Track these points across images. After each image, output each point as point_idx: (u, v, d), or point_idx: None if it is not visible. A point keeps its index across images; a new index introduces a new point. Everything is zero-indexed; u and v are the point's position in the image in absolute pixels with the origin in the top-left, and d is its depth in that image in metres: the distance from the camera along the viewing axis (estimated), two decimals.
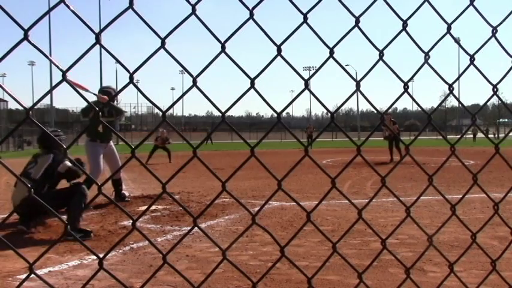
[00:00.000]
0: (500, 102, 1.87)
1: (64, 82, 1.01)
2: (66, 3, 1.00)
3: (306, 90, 1.29)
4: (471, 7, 1.49)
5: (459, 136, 1.89)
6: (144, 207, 6.63)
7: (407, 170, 11.32)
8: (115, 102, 7.42)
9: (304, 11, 1.23)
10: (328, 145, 32.72)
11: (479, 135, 41.72)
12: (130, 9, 1.05)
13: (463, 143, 30.86)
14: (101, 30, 1.05)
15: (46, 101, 58.02)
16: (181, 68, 1.23)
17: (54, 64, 1.00)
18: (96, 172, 6.93)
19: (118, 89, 1.20)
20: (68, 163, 5.21)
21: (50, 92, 1.15)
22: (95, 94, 6.81)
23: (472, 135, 44.20)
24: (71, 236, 4.28)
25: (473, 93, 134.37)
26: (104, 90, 7.15)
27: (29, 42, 0.97)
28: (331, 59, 1.31)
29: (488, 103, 1.92)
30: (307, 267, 3.68)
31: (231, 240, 4.44)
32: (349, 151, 20.16)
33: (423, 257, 1.79)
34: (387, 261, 3.71)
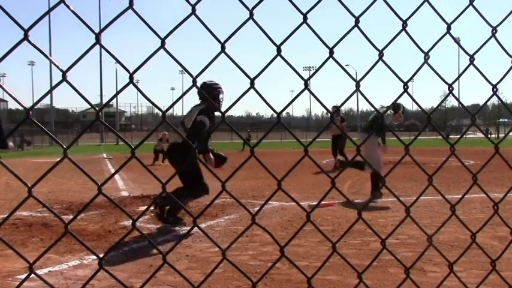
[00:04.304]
0: (500, 102, 1.87)
1: (64, 82, 1.01)
2: (66, 3, 1.00)
3: (306, 90, 1.29)
4: (471, 7, 1.49)
5: (459, 136, 1.89)
6: (144, 207, 6.63)
7: (407, 170, 11.32)
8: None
9: (304, 11, 1.23)
10: (328, 145, 32.61)
11: (479, 135, 41.82)
12: (130, 9, 1.05)
13: (463, 143, 30.83)
14: (101, 30, 1.05)
15: (46, 101, 58.20)
16: (181, 68, 1.23)
17: (54, 64, 1.00)
18: (382, 167, 7.24)
19: (118, 89, 1.20)
20: (203, 119, 5.08)
21: (50, 92, 1.15)
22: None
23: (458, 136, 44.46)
24: (169, 224, 4.42)
25: (473, 93, 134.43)
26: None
27: (29, 42, 0.97)
28: (331, 59, 1.31)
29: (488, 103, 1.92)
30: (307, 267, 3.68)
31: (231, 240, 4.44)
32: (349, 151, 20.15)
33: (423, 257, 1.79)
34: (387, 261, 3.71)
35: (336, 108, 12.54)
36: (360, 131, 6.90)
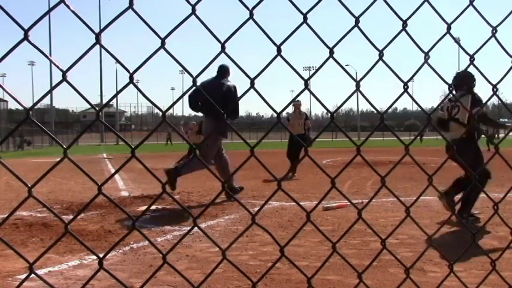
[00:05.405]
0: (500, 102, 1.87)
1: (64, 82, 1.01)
2: (66, 3, 1.00)
3: (306, 90, 1.29)
4: (471, 7, 1.49)
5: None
6: (144, 207, 6.62)
7: (407, 170, 11.31)
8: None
9: (304, 11, 1.23)
10: (328, 145, 32.68)
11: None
12: (130, 9, 1.05)
13: None
14: (101, 30, 1.05)
15: (46, 101, 58.26)
16: (181, 68, 1.23)
17: (54, 64, 1.00)
18: None
19: (118, 89, 1.20)
20: (483, 111, 4.94)
21: (50, 92, 1.15)
22: None
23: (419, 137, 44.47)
24: (464, 220, 4.18)
25: None
26: None
27: (29, 42, 0.97)
28: (331, 59, 1.31)
29: (488, 103, 1.92)
30: (307, 267, 3.68)
31: (231, 240, 4.43)
32: (349, 151, 20.14)
33: (423, 257, 1.79)
34: (387, 261, 3.71)
35: (297, 103, 10.90)
36: None
